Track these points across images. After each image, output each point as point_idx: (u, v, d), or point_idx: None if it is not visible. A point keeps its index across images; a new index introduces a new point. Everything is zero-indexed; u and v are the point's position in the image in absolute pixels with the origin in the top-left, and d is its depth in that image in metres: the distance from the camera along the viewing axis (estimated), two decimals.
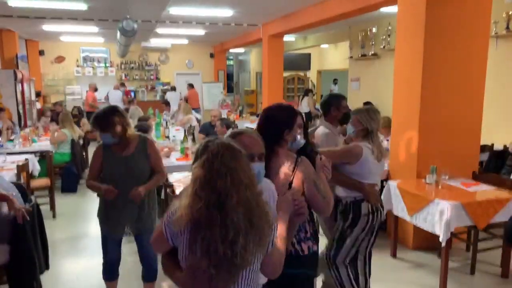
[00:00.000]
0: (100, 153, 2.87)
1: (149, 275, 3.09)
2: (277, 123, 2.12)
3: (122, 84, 12.89)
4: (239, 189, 1.40)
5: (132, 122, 6.28)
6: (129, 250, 3.92)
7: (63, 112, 7.09)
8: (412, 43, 4.21)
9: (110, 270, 3.03)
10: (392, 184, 4.01)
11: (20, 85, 9.11)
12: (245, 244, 1.38)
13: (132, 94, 12.99)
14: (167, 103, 10.13)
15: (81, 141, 7.30)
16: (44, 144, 6.63)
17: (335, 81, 14.36)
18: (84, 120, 8.37)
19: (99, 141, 2.97)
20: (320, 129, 3.34)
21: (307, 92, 11.62)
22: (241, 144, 1.60)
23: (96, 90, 11.85)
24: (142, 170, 2.86)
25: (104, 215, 2.93)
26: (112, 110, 2.84)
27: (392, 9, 5.82)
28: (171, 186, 3.87)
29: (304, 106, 10.93)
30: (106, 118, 2.77)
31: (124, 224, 2.94)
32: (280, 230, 1.64)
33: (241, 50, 16.60)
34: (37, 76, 12.14)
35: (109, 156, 2.84)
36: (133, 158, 2.84)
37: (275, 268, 1.60)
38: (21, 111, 9.04)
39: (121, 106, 10.35)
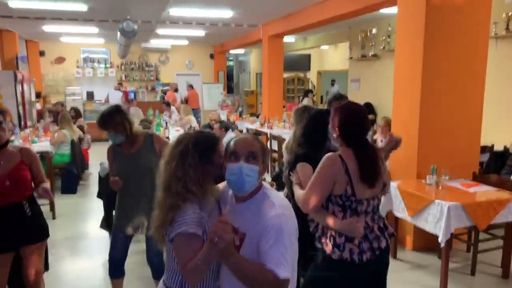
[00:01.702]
0: (111, 154, 2.97)
1: (157, 273, 3.06)
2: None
3: (120, 84, 12.90)
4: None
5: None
6: (131, 250, 3.92)
7: (63, 113, 7.08)
8: (412, 43, 4.21)
9: (116, 267, 3.00)
10: (392, 184, 4.00)
11: (20, 85, 9.10)
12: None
13: (132, 94, 12.99)
14: (167, 104, 10.14)
15: (88, 136, 7.30)
16: (44, 144, 6.63)
17: (332, 82, 14.12)
18: (81, 121, 8.35)
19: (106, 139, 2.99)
20: None
21: (307, 92, 11.62)
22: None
23: (176, 90, 11.95)
24: (149, 166, 2.82)
25: (118, 211, 2.99)
26: (115, 110, 2.88)
27: (392, 10, 5.82)
28: None
29: None
30: (110, 118, 2.82)
31: (130, 221, 2.90)
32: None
33: (241, 50, 16.60)
34: (37, 77, 12.13)
35: (117, 155, 2.92)
36: (140, 155, 2.88)
37: (180, 262, 1.56)
38: (21, 111, 9.03)
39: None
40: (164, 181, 1.64)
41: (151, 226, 2.82)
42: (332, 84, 13.90)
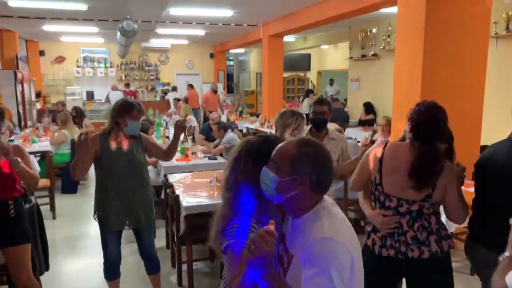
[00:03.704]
0: (97, 141, 2.85)
1: (152, 267, 3.09)
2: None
3: (127, 85, 12.92)
4: None
5: None
6: (129, 250, 3.93)
7: (63, 113, 7.08)
8: (412, 43, 4.21)
9: (111, 270, 3.01)
10: None
11: (20, 85, 9.11)
12: None
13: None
14: (178, 100, 10.31)
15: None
16: (44, 144, 6.63)
17: (331, 82, 14.00)
18: (87, 121, 8.33)
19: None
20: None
21: (308, 93, 11.62)
22: None
23: (215, 92, 11.72)
24: (142, 164, 3.00)
25: (104, 208, 2.89)
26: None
27: (392, 9, 5.82)
28: (171, 186, 3.87)
29: (304, 107, 10.94)
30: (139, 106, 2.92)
31: (124, 216, 2.90)
32: None
33: (241, 50, 16.60)
34: (37, 77, 12.14)
35: (108, 148, 2.84)
36: (133, 153, 2.90)
37: (230, 276, 1.46)
38: (21, 111, 9.03)
39: None
40: (221, 190, 1.55)
41: (142, 218, 2.89)
42: (331, 84, 13.87)
